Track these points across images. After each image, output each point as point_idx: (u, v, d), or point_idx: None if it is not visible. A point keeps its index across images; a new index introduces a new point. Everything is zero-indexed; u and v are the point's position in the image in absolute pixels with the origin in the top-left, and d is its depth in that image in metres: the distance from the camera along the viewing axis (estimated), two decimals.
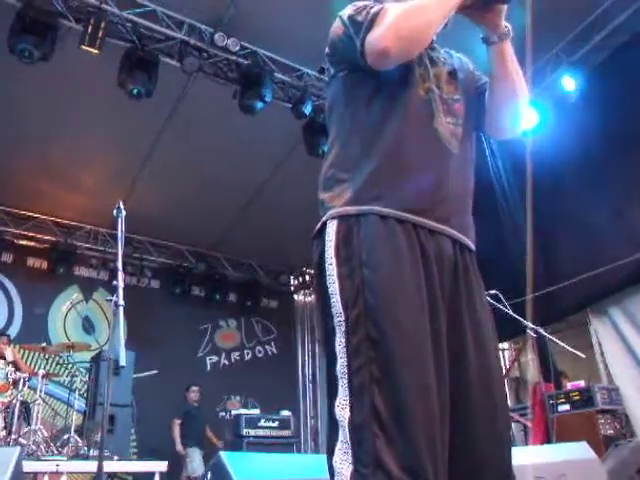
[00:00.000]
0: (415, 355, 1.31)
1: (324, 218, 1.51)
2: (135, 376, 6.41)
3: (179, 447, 7.52)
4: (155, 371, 6.90)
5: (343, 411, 1.32)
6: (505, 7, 1.53)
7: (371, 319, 1.33)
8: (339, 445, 1.31)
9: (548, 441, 5.02)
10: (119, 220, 3.40)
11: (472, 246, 1.58)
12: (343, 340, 1.36)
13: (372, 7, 1.51)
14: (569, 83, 6.34)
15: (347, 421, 1.30)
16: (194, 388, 8.05)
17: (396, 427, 1.24)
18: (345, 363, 1.34)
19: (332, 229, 1.46)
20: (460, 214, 1.56)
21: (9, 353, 5.95)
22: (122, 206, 3.44)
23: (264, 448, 6.55)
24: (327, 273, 1.43)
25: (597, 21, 5.98)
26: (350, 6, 1.57)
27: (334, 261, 1.42)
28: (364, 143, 1.53)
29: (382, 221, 1.42)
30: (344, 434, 1.30)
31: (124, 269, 3.31)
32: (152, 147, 7.13)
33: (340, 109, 1.64)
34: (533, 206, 5.68)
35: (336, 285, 1.40)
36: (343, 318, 1.37)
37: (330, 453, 1.34)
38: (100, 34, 5.21)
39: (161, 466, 4.97)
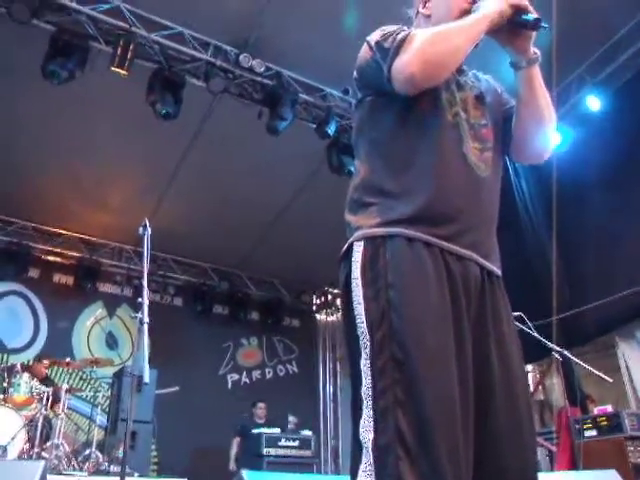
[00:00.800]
0: (440, 378, 1.30)
1: (351, 240, 1.51)
2: (157, 392, 6.43)
3: (232, 465, 7.36)
4: (176, 388, 6.92)
5: (367, 433, 1.31)
6: (534, 33, 1.52)
7: (396, 341, 1.32)
8: (363, 467, 1.30)
9: (575, 467, 4.89)
10: (145, 238, 3.45)
11: (499, 272, 1.57)
12: (368, 362, 1.36)
13: (399, 33, 1.52)
14: (594, 103, 6.29)
15: (371, 443, 1.29)
16: (260, 405, 7.97)
17: (420, 450, 1.23)
18: (370, 385, 1.34)
19: (358, 251, 1.46)
20: (487, 240, 1.56)
21: None
22: (148, 224, 3.49)
23: (284, 467, 6.50)
24: (353, 294, 1.43)
25: (622, 41, 5.94)
26: (378, 31, 1.59)
27: (360, 282, 1.43)
28: (391, 167, 1.53)
29: (409, 244, 1.42)
30: (368, 456, 1.29)
31: (148, 286, 3.35)
32: (177, 166, 7.24)
33: (367, 133, 1.65)
34: (557, 227, 5.62)
35: (362, 306, 1.40)
36: (368, 339, 1.37)
37: (354, 475, 1.33)
38: (129, 56, 5.35)
39: None
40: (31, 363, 6.50)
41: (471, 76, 1.74)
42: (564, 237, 5.73)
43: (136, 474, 5.15)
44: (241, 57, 5.73)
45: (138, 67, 5.53)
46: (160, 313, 8.11)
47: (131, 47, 5.34)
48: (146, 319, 3.04)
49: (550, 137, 1.68)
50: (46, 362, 6.46)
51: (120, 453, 5.45)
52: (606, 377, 4.27)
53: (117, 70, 5.33)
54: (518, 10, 1.50)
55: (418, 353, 1.30)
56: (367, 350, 1.37)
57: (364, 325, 1.39)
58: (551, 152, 1.73)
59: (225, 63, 5.81)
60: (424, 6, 1.75)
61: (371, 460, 1.28)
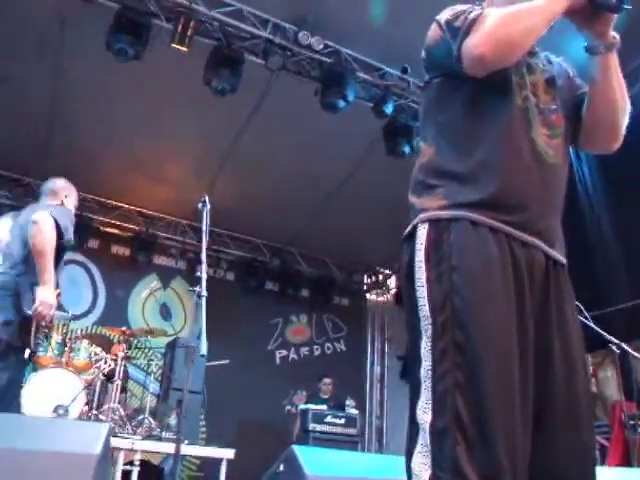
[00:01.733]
0: (501, 363, 1.29)
1: (415, 221, 1.50)
2: (207, 364, 6.60)
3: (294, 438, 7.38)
4: (227, 361, 7.07)
5: (425, 415, 1.32)
6: (615, 16, 1.44)
7: (458, 324, 1.32)
8: (419, 448, 1.31)
9: (627, 464, 4.78)
10: (204, 214, 3.52)
11: (564, 260, 1.53)
12: (429, 344, 1.36)
13: (470, 12, 1.49)
14: None
15: (428, 425, 1.30)
16: (326, 380, 8.11)
17: (477, 435, 1.23)
18: (430, 367, 1.34)
19: (423, 233, 1.45)
20: (553, 228, 1.52)
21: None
22: (207, 200, 3.56)
23: (328, 444, 6.59)
24: (416, 277, 1.43)
25: None
26: (448, 10, 1.56)
27: (423, 265, 1.42)
28: (458, 150, 1.51)
29: (474, 228, 1.40)
30: (424, 438, 1.30)
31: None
32: (234, 142, 7.32)
33: (434, 115, 1.62)
34: (619, 214, 5.42)
35: (425, 289, 1.40)
36: (430, 322, 1.37)
37: (409, 455, 1.34)
38: (189, 33, 5.41)
39: (229, 454, 5.09)
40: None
41: (543, 58, 1.68)
42: (625, 225, 5.52)
43: (186, 441, 5.33)
44: (300, 34, 5.70)
45: (198, 44, 5.59)
46: (212, 287, 8.23)
47: (191, 24, 5.40)
48: (204, 293, 3.12)
49: (622, 127, 1.61)
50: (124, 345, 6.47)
51: (172, 420, 5.65)
52: None
53: (177, 47, 5.40)
54: None
55: (480, 338, 1.30)
56: (429, 333, 1.36)
57: (426, 308, 1.38)
58: (621, 142, 1.67)
59: (284, 40, 5.79)
60: None
61: (428, 442, 1.29)
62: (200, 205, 3.55)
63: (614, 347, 4.34)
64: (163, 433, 5.39)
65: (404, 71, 6.17)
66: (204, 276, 3.15)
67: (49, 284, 3.39)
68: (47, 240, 3.39)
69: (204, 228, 3.45)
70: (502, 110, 1.51)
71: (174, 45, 5.40)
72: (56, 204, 3.86)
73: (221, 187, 8.00)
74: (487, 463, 1.21)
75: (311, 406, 7.16)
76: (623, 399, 5.14)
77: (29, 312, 3.34)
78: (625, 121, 1.60)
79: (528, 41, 1.45)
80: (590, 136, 1.64)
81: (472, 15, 1.47)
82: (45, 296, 3.35)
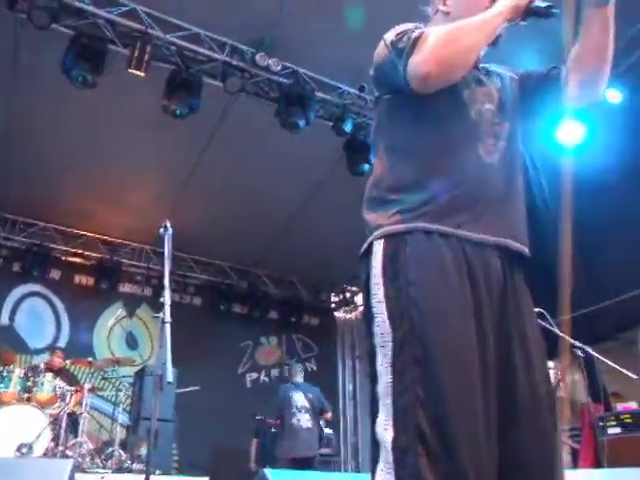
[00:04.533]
0: (461, 376, 1.29)
1: (370, 238, 1.51)
2: (177, 392, 6.48)
3: (252, 465, 7.19)
4: (197, 387, 6.97)
5: (386, 432, 1.31)
6: None
7: (417, 339, 1.32)
8: (381, 465, 1.30)
9: (598, 465, 4.84)
10: (166, 239, 3.48)
11: (524, 250, 1.54)
12: (388, 360, 1.35)
13: (413, 32, 1.53)
14: (614, 95, 6.20)
15: (390, 441, 1.29)
16: None
17: (441, 449, 1.23)
18: (389, 383, 1.33)
19: (379, 249, 1.47)
20: (509, 223, 1.53)
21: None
22: (168, 225, 3.52)
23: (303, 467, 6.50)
24: (373, 293, 1.43)
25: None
26: (392, 30, 1.59)
27: (381, 281, 1.42)
28: (408, 165, 1.54)
29: (427, 237, 1.42)
30: (386, 454, 1.29)
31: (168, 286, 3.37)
32: (195, 166, 7.29)
33: (385, 130, 1.66)
34: (577, 223, 5.55)
35: (382, 304, 1.40)
36: (389, 338, 1.37)
37: (373, 473, 1.33)
38: (146, 57, 5.40)
39: None
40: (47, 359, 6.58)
41: (489, 70, 1.73)
42: (584, 232, 5.65)
43: (158, 471, 5.21)
44: (257, 56, 5.74)
45: (155, 69, 5.58)
46: (180, 313, 8.11)
47: (148, 49, 5.39)
48: (168, 319, 3.07)
49: (607, 74, 1.65)
50: (59, 353, 6.53)
51: (142, 450, 5.51)
52: (630, 373, 4.22)
53: (135, 72, 5.38)
54: (532, 1, 1.50)
55: (439, 352, 1.30)
56: (387, 348, 1.36)
57: (385, 323, 1.38)
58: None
59: (241, 62, 5.82)
60: (444, 3, 1.74)
61: (391, 459, 1.27)
62: (162, 230, 3.51)
63: (579, 351, 4.41)
64: (134, 465, 5.26)
65: (361, 89, 6.27)
66: (167, 302, 3.10)
67: None
68: None
69: (166, 253, 3.40)
70: (451, 124, 1.55)
71: (131, 70, 5.37)
72: None
73: (183, 211, 7.94)
74: (452, 477, 1.21)
75: None
76: (591, 402, 5.23)
77: None
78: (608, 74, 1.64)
79: (470, 57, 1.49)
80: (582, 88, 1.65)
81: (415, 35, 1.51)
82: None
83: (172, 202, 7.86)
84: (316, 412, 6.59)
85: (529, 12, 1.52)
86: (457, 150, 1.52)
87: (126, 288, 9.59)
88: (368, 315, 1.45)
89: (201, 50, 5.74)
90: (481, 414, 1.28)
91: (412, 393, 1.28)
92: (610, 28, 1.56)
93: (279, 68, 5.87)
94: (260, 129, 6.55)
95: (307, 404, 6.57)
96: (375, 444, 1.34)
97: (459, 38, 1.47)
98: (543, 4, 1.50)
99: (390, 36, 1.58)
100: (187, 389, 6.47)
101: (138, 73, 5.39)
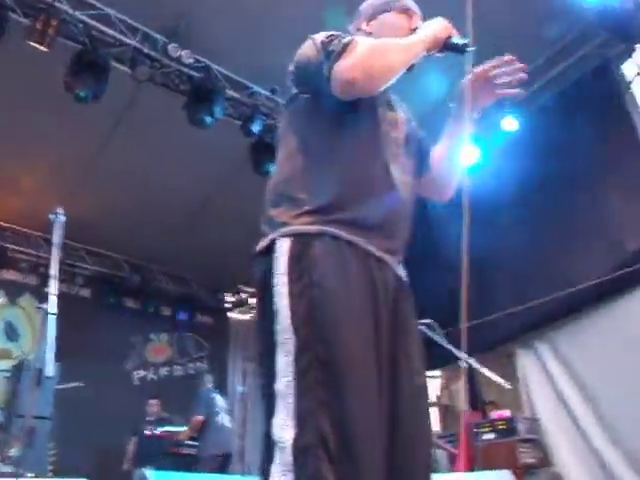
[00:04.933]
0: (363, 379, 1.32)
1: (273, 235, 1.50)
2: (59, 387, 6.13)
3: (126, 465, 7.07)
4: (80, 383, 6.61)
5: (284, 432, 1.29)
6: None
7: (321, 341, 1.33)
8: (277, 467, 1.28)
9: (472, 469, 5.13)
10: (57, 226, 3.30)
11: (406, 278, 1.65)
12: (290, 359, 1.34)
13: (344, 37, 1.57)
14: (511, 124, 6.62)
15: (290, 443, 1.28)
16: (152, 402, 7.73)
17: (342, 450, 1.24)
18: (291, 383, 1.33)
19: (284, 247, 1.46)
20: (399, 250, 1.63)
21: None
22: (62, 212, 3.34)
23: (191, 467, 6.39)
24: (275, 291, 1.42)
25: (539, 68, 6.35)
26: (323, 32, 1.62)
27: (285, 279, 1.41)
28: (323, 168, 1.56)
29: (335, 243, 1.44)
30: (284, 455, 1.28)
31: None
32: (97, 153, 6.95)
33: (299, 130, 1.66)
34: (469, 240, 5.86)
35: (285, 303, 1.39)
36: (291, 337, 1.36)
37: (266, 474, 1.31)
38: (50, 32, 5.08)
39: None
40: None
41: (396, 99, 1.82)
42: (474, 251, 5.99)
43: (30, 474, 4.88)
44: (170, 46, 5.58)
45: (61, 46, 5.27)
46: (67, 304, 7.70)
47: (53, 23, 5.08)
48: (52, 310, 2.91)
49: (455, 185, 1.86)
50: None
51: (14, 451, 5.16)
52: (505, 383, 4.51)
53: (37, 45, 5.04)
54: (450, 35, 1.63)
55: (342, 354, 1.32)
56: (289, 347, 1.35)
57: (287, 322, 1.37)
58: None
59: (152, 51, 5.63)
60: (368, 24, 1.81)
61: (289, 460, 1.27)
62: (53, 216, 3.33)
63: (462, 362, 4.65)
64: (3, 466, 4.90)
65: (273, 91, 6.28)
66: (53, 292, 2.95)
67: None
68: None
69: (56, 240, 3.23)
70: (366, 137, 1.60)
71: (32, 43, 5.04)
72: None
73: (80, 199, 7.54)
74: (351, 478, 1.23)
75: (169, 428, 6.92)
76: (470, 409, 5.53)
77: None
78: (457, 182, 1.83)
79: (392, 74, 1.55)
80: (436, 185, 1.86)
81: (345, 40, 1.55)
82: None
83: (69, 189, 7.44)
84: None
85: (446, 46, 1.64)
86: (370, 165, 1.57)
87: (9, 275, 8.97)
88: (265, 312, 1.44)
89: (111, 32, 5.49)
90: (378, 418, 1.33)
91: (315, 394, 1.29)
92: (462, 140, 1.76)
93: (191, 61, 5.74)
94: (166, 121, 6.36)
95: (225, 405, 7.25)
96: (269, 444, 1.32)
97: (387, 53, 1.54)
98: (460, 41, 1.63)
99: (320, 37, 1.60)
100: (69, 385, 6.13)
101: (41, 48, 5.06)
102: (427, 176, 1.82)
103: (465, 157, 1.79)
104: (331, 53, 1.53)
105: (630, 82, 5.99)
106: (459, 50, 1.64)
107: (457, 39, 1.63)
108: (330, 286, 1.38)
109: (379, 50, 1.53)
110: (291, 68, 1.69)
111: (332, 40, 1.57)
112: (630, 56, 5.98)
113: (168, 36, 5.65)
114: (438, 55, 1.68)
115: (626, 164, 5.78)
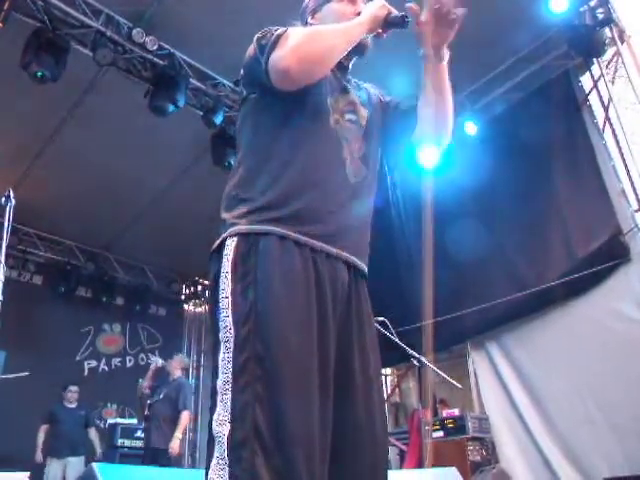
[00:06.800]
0: (300, 376, 1.34)
1: (224, 235, 1.52)
2: (2, 377, 5.94)
3: (37, 456, 6.75)
4: (26, 373, 6.41)
5: (222, 427, 1.32)
6: (451, 35, 1.64)
7: (259, 338, 1.35)
8: (215, 461, 1.31)
9: (421, 466, 5.21)
10: (7, 209, 3.20)
11: (365, 270, 1.64)
12: (230, 356, 1.37)
13: (277, 29, 1.57)
14: (471, 128, 6.76)
15: (226, 437, 1.30)
16: (72, 388, 7.41)
17: (276, 447, 1.26)
18: (229, 379, 1.35)
19: (231, 246, 1.48)
20: (358, 241, 1.62)
21: None
22: (12, 195, 3.24)
23: (138, 460, 6.29)
24: (221, 288, 1.45)
25: (499, 76, 6.56)
26: (261, 30, 1.63)
27: (230, 277, 1.44)
28: (269, 167, 1.56)
29: (280, 242, 1.46)
30: (221, 450, 1.30)
31: (5, 261, 3.11)
32: (52, 136, 6.76)
33: (248, 131, 1.68)
34: (426, 241, 5.96)
35: (228, 300, 1.42)
36: (232, 334, 1.38)
37: (207, 468, 1.33)
38: (5, 6, 4.91)
39: (21, 478, 4.63)
40: None
41: (354, 84, 1.82)
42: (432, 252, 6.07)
43: None
44: (134, 31, 5.46)
45: (18, 22, 5.11)
46: (16, 291, 7.49)
47: None
48: None
49: (451, 124, 1.79)
50: None
51: None
52: (456, 383, 4.59)
53: None
54: (389, 12, 1.64)
55: (280, 352, 1.33)
56: (229, 344, 1.38)
57: (229, 319, 1.40)
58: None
59: (116, 35, 5.50)
60: (313, 17, 1.82)
61: (225, 454, 1.29)
62: (3, 199, 3.22)
63: (415, 361, 4.72)
64: None
65: (237, 83, 6.22)
66: (1, 278, 2.85)
67: None
68: None
69: (5, 225, 3.13)
70: (314, 130, 1.60)
71: None
72: None
73: (33, 183, 7.34)
74: (286, 474, 1.24)
75: (120, 420, 6.80)
76: (420, 407, 5.62)
77: None
78: (452, 120, 1.79)
79: (330, 58, 1.56)
80: (426, 131, 1.79)
81: (278, 32, 1.55)
82: None
83: (20, 171, 7.23)
84: None
85: (388, 23, 1.66)
86: (316, 160, 1.57)
87: None
88: (214, 310, 1.47)
89: (72, 12, 5.34)
90: (317, 415, 1.33)
91: (251, 389, 1.31)
92: (444, 85, 1.72)
93: (155, 48, 5.62)
94: (127, 108, 6.25)
95: None
96: (211, 439, 1.34)
97: (320, 38, 1.55)
98: (399, 14, 1.65)
99: (258, 35, 1.61)
100: (15, 375, 5.95)
101: None
102: (420, 128, 1.79)
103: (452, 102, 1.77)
104: (264, 47, 1.54)
105: (588, 93, 6.17)
106: (400, 23, 1.64)
107: (395, 14, 1.65)
108: (272, 285, 1.40)
109: (312, 37, 1.54)
110: (241, 71, 1.70)
111: (265, 34, 1.58)
112: (589, 69, 6.16)
113: (133, 21, 5.54)
114: (384, 36, 1.70)
115: (578, 173, 5.96)
